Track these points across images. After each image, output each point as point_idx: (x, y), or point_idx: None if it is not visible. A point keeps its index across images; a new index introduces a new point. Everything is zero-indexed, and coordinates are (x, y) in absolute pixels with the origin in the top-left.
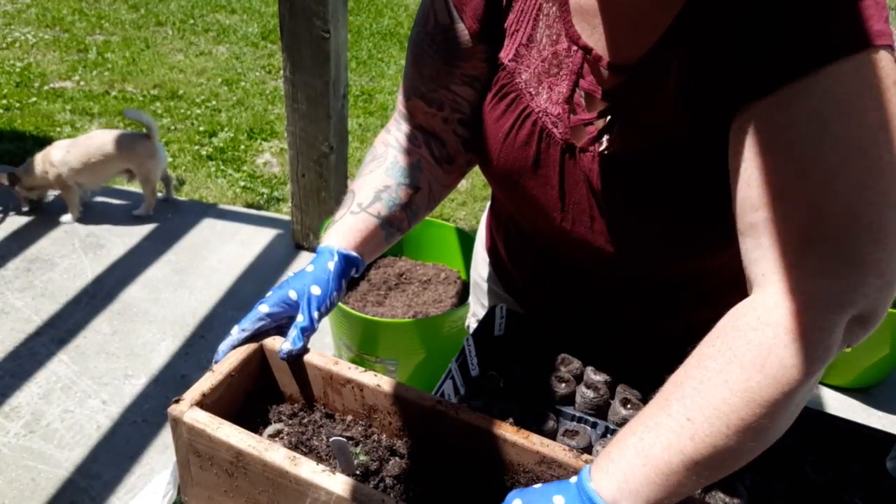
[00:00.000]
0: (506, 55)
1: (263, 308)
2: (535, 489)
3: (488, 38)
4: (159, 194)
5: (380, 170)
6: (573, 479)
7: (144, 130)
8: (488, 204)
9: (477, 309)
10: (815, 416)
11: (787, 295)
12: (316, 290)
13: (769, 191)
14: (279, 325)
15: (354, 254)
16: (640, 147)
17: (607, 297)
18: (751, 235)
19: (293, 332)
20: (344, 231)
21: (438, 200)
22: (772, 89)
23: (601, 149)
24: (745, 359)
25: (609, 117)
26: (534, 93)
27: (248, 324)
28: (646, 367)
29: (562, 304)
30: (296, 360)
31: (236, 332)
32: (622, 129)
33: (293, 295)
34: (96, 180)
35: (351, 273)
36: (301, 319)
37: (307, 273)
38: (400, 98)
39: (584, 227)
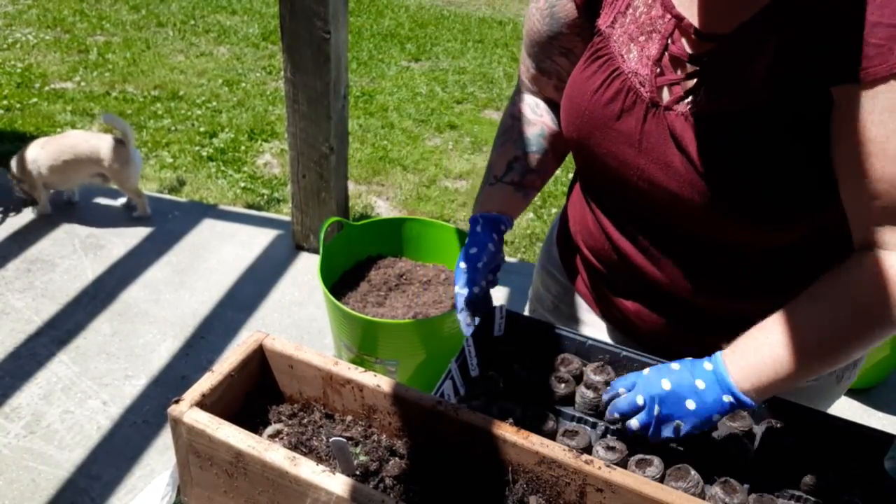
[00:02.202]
0: (604, 22)
1: (456, 288)
2: (676, 371)
3: (590, 10)
4: (123, 199)
5: (509, 143)
6: (708, 365)
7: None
8: (564, 205)
9: (542, 290)
10: (815, 416)
11: None
12: (473, 250)
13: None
14: (492, 280)
15: (496, 213)
16: (723, 109)
17: (673, 264)
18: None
19: (465, 289)
20: (483, 201)
21: (563, 158)
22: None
23: (686, 108)
24: None
25: (697, 79)
26: (625, 55)
27: (458, 302)
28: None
29: (627, 286)
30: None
31: (460, 314)
32: (708, 91)
33: (463, 265)
34: (66, 181)
35: (501, 228)
36: (467, 275)
37: (466, 244)
38: (521, 69)
39: (660, 185)
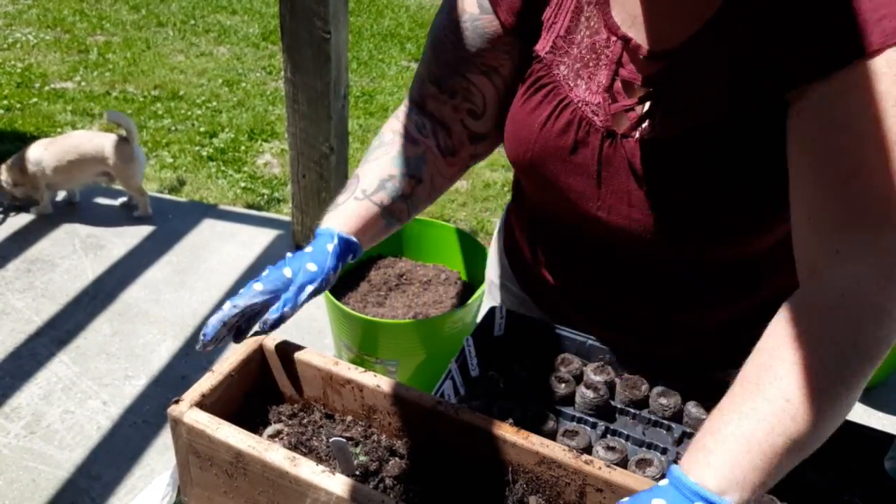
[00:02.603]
0: (542, 47)
1: (258, 286)
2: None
3: (522, 33)
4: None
5: (386, 157)
6: (663, 482)
7: (124, 133)
8: (507, 205)
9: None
10: None
11: (869, 270)
12: (311, 267)
13: (829, 175)
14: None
15: (354, 239)
16: (683, 130)
17: (633, 291)
18: (815, 219)
19: (277, 303)
20: (346, 215)
21: (440, 193)
22: (825, 73)
23: (644, 134)
24: (837, 338)
25: (650, 102)
26: (572, 84)
27: (240, 300)
28: (650, 368)
29: (585, 301)
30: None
31: (227, 308)
32: (665, 113)
33: (288, 273)
34: (70, 181)
35: (348, 258)
36: (289, 293)
37: (305, 253)
38: (414, 83)
39: (622, 215)
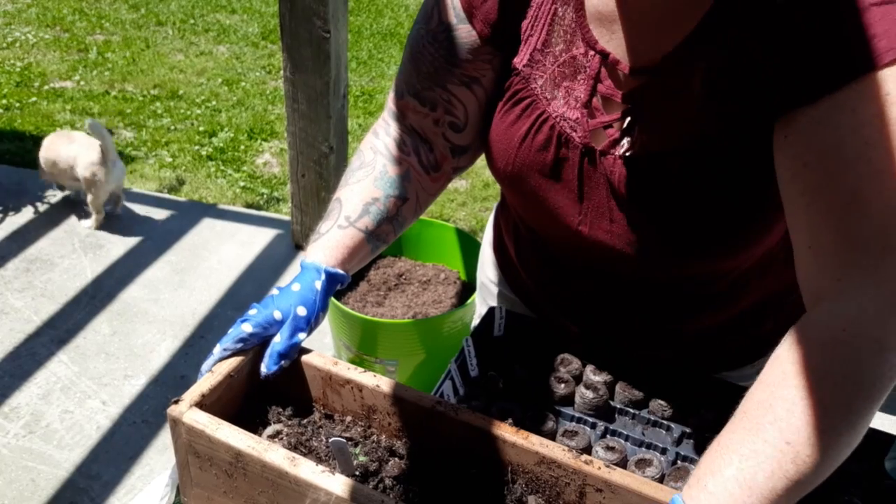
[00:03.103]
0: (520, 60)
1: (246, 327)
2: None
3: (500, 43)
4: (107, 208)
5: (368, 179)
6: None
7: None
8: (495, 205)
9: (483, 311)
10: None
11: (871, 301)
12: (301, 311)
13: (825, 203)
14: (263, 343)
15: (341, 272)
16: (662, 148)
17: (618, 300)
18: (816, 246)
19: (269, 355)
20: (331, 246)
21: (424, 209)
22: (815, 98)
23: (622, 151)
24: (837, 375)
25: (629, 119)
26: (550, 98)
27: (230, 343)
28: (647, 368)
29: (571, 307)
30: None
31: (218, 351)
32: (643, 130)
33: (278, 315)
34: (56, 179)
35: (335, 288)
36: (278, 340)
37: (293, 292)
38: (391, 96)
39: (603, 230)
